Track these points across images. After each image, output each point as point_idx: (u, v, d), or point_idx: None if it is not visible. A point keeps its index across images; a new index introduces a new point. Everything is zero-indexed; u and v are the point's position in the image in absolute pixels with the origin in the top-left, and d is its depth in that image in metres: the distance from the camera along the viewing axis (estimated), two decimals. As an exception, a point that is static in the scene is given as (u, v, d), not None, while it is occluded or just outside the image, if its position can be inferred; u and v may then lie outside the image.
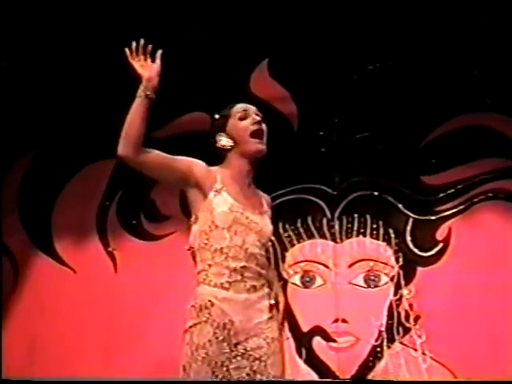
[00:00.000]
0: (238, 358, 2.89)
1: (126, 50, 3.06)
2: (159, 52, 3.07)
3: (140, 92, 3.00)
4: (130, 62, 3.06)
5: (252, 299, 2.95)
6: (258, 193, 3.16)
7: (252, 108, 3.13)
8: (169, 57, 5.62)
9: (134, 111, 2.97)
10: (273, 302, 3.01)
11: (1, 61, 5.66)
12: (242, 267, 2.94)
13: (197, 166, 3.01)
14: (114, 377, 5.31)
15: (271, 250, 5.46)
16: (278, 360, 2.93)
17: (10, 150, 6.25)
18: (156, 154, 2.98)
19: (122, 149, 2.94)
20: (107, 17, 5.30)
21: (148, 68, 3.03)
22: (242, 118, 3.08)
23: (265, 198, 3.19)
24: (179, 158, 3.02)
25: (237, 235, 2.96)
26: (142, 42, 3.06)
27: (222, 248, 2.95)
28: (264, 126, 3.10)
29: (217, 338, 2.87)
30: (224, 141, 3.08)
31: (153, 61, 3.06)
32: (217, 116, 3.16)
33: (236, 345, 2.90)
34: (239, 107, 3.12)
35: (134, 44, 3.05)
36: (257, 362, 2.89)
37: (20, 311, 6.07)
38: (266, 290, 3.01)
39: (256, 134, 3.06)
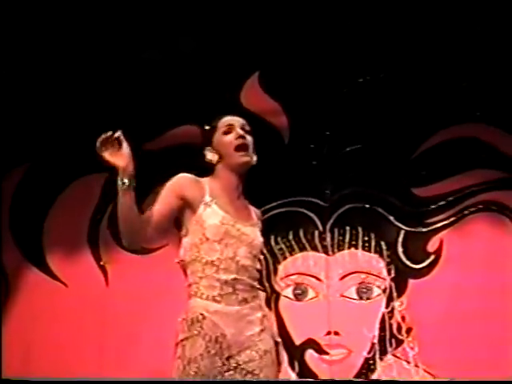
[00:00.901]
0: (231, 372, 2.87)
1: (97, 142, 2.94)
2: (120, 134, 2.94)
3: (120, 184, 2.89)
4: (100, 154, 2.93)
5: (243, 312, 2.93)
6: (247, 205, 3.15)
7: (238, 121, 3.10)
8: (161, 69, 5.69)
9: (122, 205, 2.91)
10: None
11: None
12: (233, 279, 2.93)
13: (185, 188, 2.99)
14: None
15: (263, 263, 5.50)
16: (270, 373, 2.91)
17: (0, 165, 6.23)
18: (152, 222, 2.95)
19: (130, 245, 3.01)
20: (102, 30, 5.32)
21: (119, 156, 2.91)
22: (226, 133, 3.06)
23: (254, 211, 3.17)
24: (165, 196, 2.99)
25: (228, 247, 2.95)
26: (109, 133, 2.93)
27: (213, 261, 2.93)
28: (249, 139, 3.08)
29: (209, 351, 2.85)
30: (209, 155, 3.08)
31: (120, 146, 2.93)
32: (206, 127, 3.15)
33: (228, 358, 2.87)
34: (224, 121, 3.10)
35: (102, 137, 2.92)
36: (249, 375, 2.87)
37: (13, 326, 6.04)
38: (258, 301, 3.00)
39: (240, 148, 3.04)
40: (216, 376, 2.84)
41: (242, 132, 3.06)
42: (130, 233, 2.93)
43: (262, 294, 3.11)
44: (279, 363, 3.00)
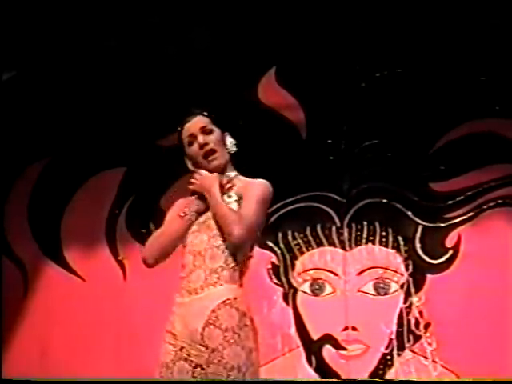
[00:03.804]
0: (181, 362, 2.90)
1: None
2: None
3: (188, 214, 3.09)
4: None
5: (192, 303, 2.94)
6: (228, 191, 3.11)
7: (196, 127, 3.13)
8: (176, 65, 5.70)
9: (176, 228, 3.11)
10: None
11: (12, 70, 5.69)
12: (189, 271, 2.98)
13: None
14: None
15: (281, 258, 5.50)
16: (220, 371, 2.83)
17: (20, 160, 6.27)
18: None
19: (158, 261, 3.14)
20: (115, 27, 5.33)
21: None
22: (189, 144, 3.13)
23: (237, 186, 3.11)
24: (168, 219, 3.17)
25: (189, 243, 3.03)
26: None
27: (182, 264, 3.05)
28: (212, 140, 3.09)
29: (165, 340, 2.95)
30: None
31: None
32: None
33: (181, 349, 2.91)
34: (185, 132, 3.15)
35: None
36: (198, 368, 2.88)
37: (30, 320, 6.09)
38: (214, 290, 2.93)
39: (206, 156, 3.08)
40: (168, 364, 2.90)
41: (202, 140, 3.09)
42: (164, 250, 3.11)
43: (230, 276, 2.95)
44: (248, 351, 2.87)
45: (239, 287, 2.97)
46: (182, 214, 3.08)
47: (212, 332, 2.86)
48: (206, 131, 3.11)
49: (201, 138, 3.09)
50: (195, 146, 3.10)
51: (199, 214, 3.06)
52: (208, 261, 2.96)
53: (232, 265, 2.96)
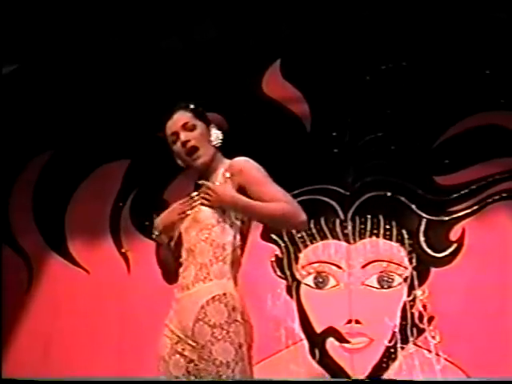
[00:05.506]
0: (177, 356, 2.92)
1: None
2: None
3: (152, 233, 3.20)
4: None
5: (184, 299, 2.95)
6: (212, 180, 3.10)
7: (178, 124, 3.08)
8: (180, 57, 5.69)
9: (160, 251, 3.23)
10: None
11: (14, 63, 5.70)
12: (184, 267, 2.99)
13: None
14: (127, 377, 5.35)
15: (285, 251, 5.50)
16: (210, 367, 2.83)
17: (24, 151, 6.28)
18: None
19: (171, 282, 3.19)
20: (120, 19, 5.33)
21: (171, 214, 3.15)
22: (173, 142, 3.08)
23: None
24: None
25: (183, 239, 3.04)
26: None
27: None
28: (195, 136, 3.04)
29: (164, 334, 2.99)
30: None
31: None
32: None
33: (177, 343, 2.94)
34: (168, 131, 3.09)
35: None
36: (191, 364, 2.90)
37: (34, 312, 6.10)
38: (204, 285, 2.93)
39: (190, 154, 3.04)
40: (165, 357, 2.94)
41: (184, 138, 3.04)
42: (167, 270, 3.19)
43: (219, 271, 2.96)
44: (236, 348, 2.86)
45: (229, 281, 2.94)
46: (155, 236, 3.13)
47: (201, 328, 2.86)
48: (188, 128, 3.06)
49: (183, 136, 3.04)
50: (178, 144, 3.05)
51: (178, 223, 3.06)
52: (198, 256, 2.95)
53: (221, 257, 2.94)
